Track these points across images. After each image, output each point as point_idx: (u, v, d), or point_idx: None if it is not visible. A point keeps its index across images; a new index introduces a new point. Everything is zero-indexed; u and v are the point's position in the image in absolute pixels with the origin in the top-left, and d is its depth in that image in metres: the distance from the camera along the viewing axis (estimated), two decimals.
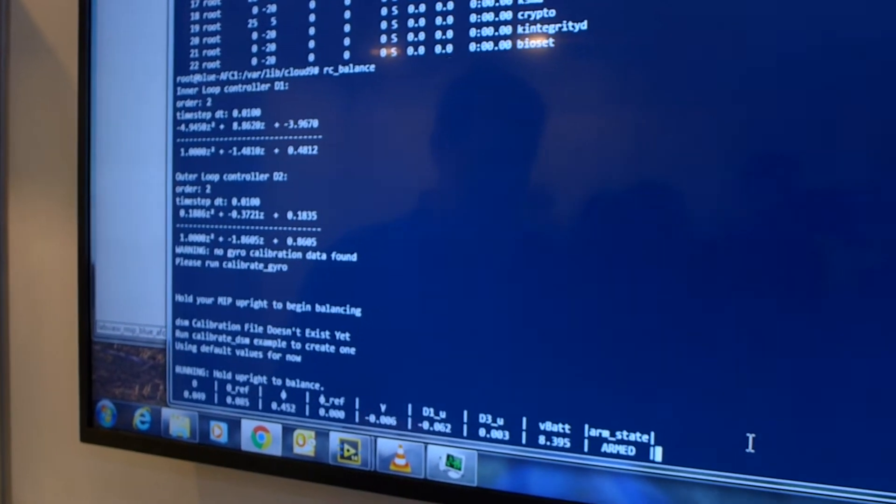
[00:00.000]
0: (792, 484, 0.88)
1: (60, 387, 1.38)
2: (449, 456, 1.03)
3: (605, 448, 0.95)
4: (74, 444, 1.31)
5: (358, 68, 1.05)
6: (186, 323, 1.18)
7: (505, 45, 0.97)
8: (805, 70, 0.85)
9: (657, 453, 0.94)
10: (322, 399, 1.09)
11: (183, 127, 1.17)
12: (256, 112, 1.12)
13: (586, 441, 0.96)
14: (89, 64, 1.22)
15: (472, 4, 0.98)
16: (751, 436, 0.90)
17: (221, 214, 1.15)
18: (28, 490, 1.46)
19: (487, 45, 0.98)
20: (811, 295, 0.86)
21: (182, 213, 1.17)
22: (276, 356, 1.12)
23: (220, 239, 1.15)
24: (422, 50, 1.02)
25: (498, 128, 0.99)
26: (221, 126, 1.14)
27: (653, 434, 0.93)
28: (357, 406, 1.07)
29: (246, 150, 1.12)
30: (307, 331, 1.10)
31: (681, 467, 0.92)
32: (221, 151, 1.14)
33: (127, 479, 1.36)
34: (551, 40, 0.95)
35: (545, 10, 0.95)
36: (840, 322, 0.85)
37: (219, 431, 1.16)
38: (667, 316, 0.92)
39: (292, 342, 1.11)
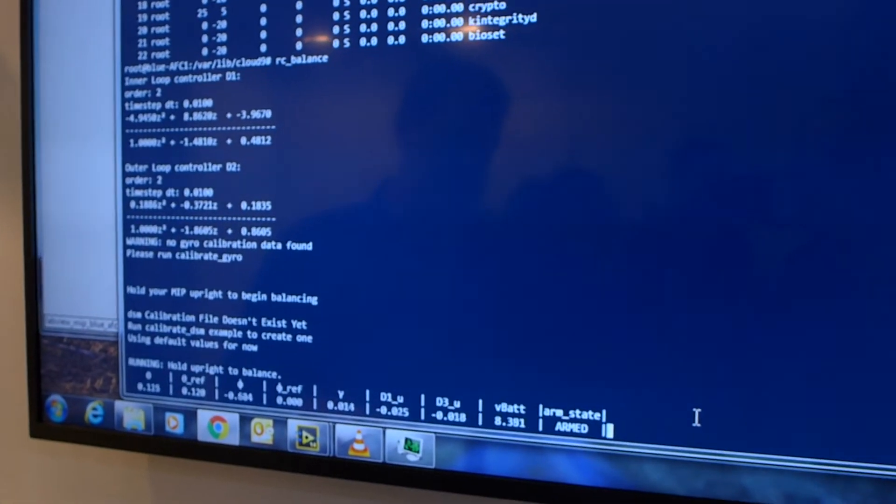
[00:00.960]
0: (735, 455, 0.93)
1: (7, 383, 1.36)
2: (407, 439, 1.05)
3: (559, 427, 0.99)
4: (23, 440, 1.30)
5: (311, 59, 1.06)
6: (139, 315, 1.17)
7: (457, 36, 1.00)
8: (750, 53, 0.90)
9: (609, 430, 0.97)
10: (279, 387, 1.10)
11: (132, 118, 1.16)
12: (208, 103, 1.11)
13: (541, 420, 1.00)
14: (31, 54, 1.20)
15: None
16: (697, 410, 0.94)
17: (173, 205, 1.14)
18: None
19: (440, 37, 1.01)
20: (749, 277, 0.91)
21: (133, 204, 1.16)
22: (233, 346, 1.12)
23: (173, 230, 1.15)
24: (374, 41, 1.03)
25: (449, 117, 1.02)
26: (172, 117, 1.13)
27: (604, 412, 0.97)
28: (315, 393, 1.09)
29: (198, 141, 1.12)
30: (263, 320, 1.10)
31: (631, 443, 0.96)
32: (172, 142, 1.14)
33: (77, 475, 1.35)
34: (501, 32, 0.98)
35: (496, 2, 0.98)
36: (774, 301, 0.90)
37: (174, 423, 1.16)
38: (615, 299, 0.96)
39: (248, 332, 1.11)
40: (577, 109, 0.96)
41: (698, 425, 0.94)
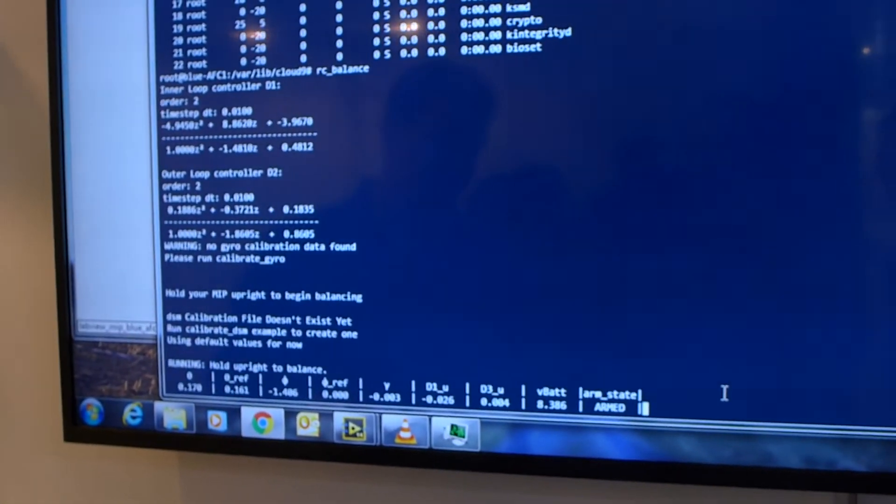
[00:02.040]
0: (760, 425, 1.03)
1: (42, 389, 1.37)
2: (453, 426, 1.12)
3: (598, 407, 1.08)
4: (56, 445, 1.32)
5: (352, 69, 1.12)
6: (179, 317, 1.21)
7: (495, 48, 1.07)
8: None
9: (644, 408, 1.07)
10: (325, 382, 1.16)
11: (168, 125, 1.19)
12: (247, 111, 1.16)
13: (580, 402, 1.08)
14: (59, 60, 1.22)
15: (463, 11, 1.08)
16: (724, 387, 1.04)
17: (213, 210, 1.18)
18: (10, 493, 1.43)
19: (478, 49, 1.08)
20: (764, 272, 1.02)
21: (170, 209, 1.20)
22: (276, 344, 1.17)
23: (213, 234, 1.18)
24: (415, 52, 1.10)
25: (485, 124, 1.09)
26: (210, 124, 1.18)
27: (640, 392, 1.06)
28: (361, 386, 1.15)
29: (237, 148, 1.17)
30: (308, 318, 1.16)
31: (665, 419, 1.06)
32: (211, 149, 1.18)
33: (108, 478, 1.37)
34: (538, 45, 1.06)
35: (532, 17, 1.06)
36: (793, 286, 1.01)
37: (217, 420, 1.20)
38: (647, 288, 1.05)
39: (293, 330, 1.17)
40: (608, 116, 1.05)
41: (726, 400, 1.04)
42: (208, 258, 1.19)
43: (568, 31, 1.05)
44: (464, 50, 1.08)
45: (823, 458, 1.02)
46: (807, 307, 1.01)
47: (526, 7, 1.06)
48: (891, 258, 0.99)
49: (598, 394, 1.08)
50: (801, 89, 0.99)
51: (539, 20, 1.06)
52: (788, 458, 1.03)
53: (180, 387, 1.22)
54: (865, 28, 0.98)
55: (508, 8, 1.06)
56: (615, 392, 1.07)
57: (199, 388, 1.21)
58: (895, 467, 1.00)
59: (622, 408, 1.07)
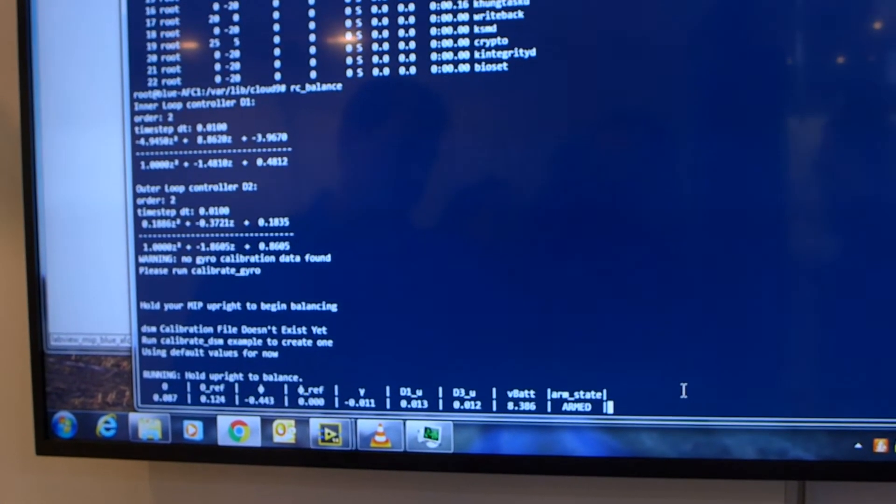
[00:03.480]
0: (717, 419, 1.10)
1: (14, 403, 1.36)
2: (427, 429, 1.17)
3: (566, 407, 1.13)
4: (27, 460, 1.32)
5: (325, 86, 1.16)
6: (153, 329, 1.23)
7: (463, 67, 1.13)
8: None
9: (609, 407, 1.13)
10: (301, 389, 1.19)
11: (142, 141, 1.21)
12: (222, 126, 1.19)
13: (549, 403, 1.14)
14: (31, 79, 1.23)
15: (433, 32, 1.13)
16: (683, 385, 1.11)
17: (188, 224, 1.21)
18: None
19: (448, 68, 1.13)
20: (716, 276, 1.09)
21: (145, 223, 1.22)
22: (252, 353, 1.20)
23: (188, 247, 1.21)
24: (386, 71, 1.15)
25: (453, 139, 1.14)
26: (185, 140, 1.20)
27: (605, 391, 1.13)
28: (336, 393, 1.18)
29: (212, 163, 1.19)
30: (283, 328, 1.19)
31: (629, 416, 1.12)
32: (186, 164, 1.20)
33: (80, 491, 1.37)
34: (504, 65, 1.12)
35: (498, 38, 1.12)
36: (744, 288, 1.09)
37: (193, 430, 1.22)
38: (610, 295, 1.11)
39: (268, 339, 1.20)
40: (572, 132, 1.11)
41: (685, 397, 1.11)
42: (183, 271, 1.21)
43: (533, 52, 1.11)
44: (434, 69, 1.14)
45: (775, 448, 1.10)
46: (757, 308, 1.09)
47: (493, 28, 1.12)
48: (834, 259, 1.07)
49: (566, 394, 1.13)
50: (762, 104, 1.07)
51: (505, 41, 1.12)
52: (743, 450, 1.10)
53: (155, 397, 1.23)
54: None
55: (476, 29, 1.12)
56: (581, 392, 1.13)
57: (174, 398, 1.23)
58: (841, 455, 1.09)
59: (588, 407, 1.13)
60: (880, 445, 1.09)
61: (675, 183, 1.10)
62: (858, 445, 1.09)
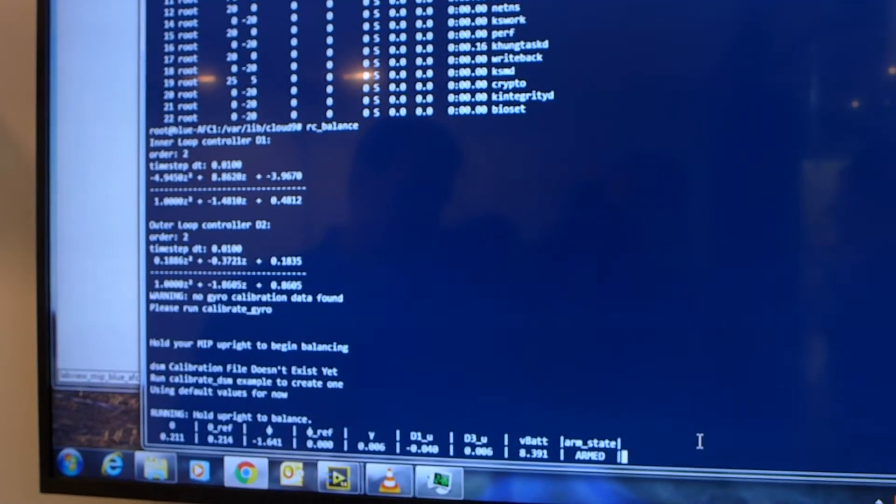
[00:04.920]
0: (734, 471, 1.08)
1: (19, 439, 1.35)
2: (437, 474, 1.14)
3: (579, 455, 1.11)
4: (31, 498, 1.30)
5: (341, 126, 1.16)
6: (162, 367, 1.21)
7: (481, 109, 1.12)
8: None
9: (623, 456, 1.10)
10: (310, 431, 1.17)
11: (157, 177, 1.21)
12: (237, 164, 1.19)
13: (562, 451, 1.12)
14: (47, 115, 1.23)
15: (451, 73, 1.13)
16: (700, 435, 1.09)
17: (200, 261, 1.20)
18: None
19: (465, 110, 1.13)
20: (736, 325, 1.08)
21: (157, 260, 1.21)
22: (262, 394, 1.19)
23: (199, 284, 1.20)
24: (403, 111, 1.14)
25: (470, 181, 1.14)
26: (199, 177, 1.20)
27: (619, 440, 1.10)
28: (345, 436, 1.16)
29: (226, 200, 1.19)
30: (294, 368, 1.18)
31: (644, 466, 1.10)
32: (200, 201, 1.20)
33: None
34: (522, 107, 1.11)
35: (516, 80, 1.12)
36: (763, 340, 1.07)
37: (199, 470, 1.21)
38: (625, 342, 1.10)
39: (278, 380, 1.18)
40: (590, 175, 1.10)
41: (701, 448, 1.08)
42: (194, 308, 1.21)
43: (551, 95, 1.10)
44: (451, 110, 1.13)
45: (793, 503, 1.07)
46: (777, 359, 1.06)
47: (511, 71, 1.11)
48: (858, 309, 1.05)
49: (579, 442, 1.11)
50: (785, 153, 1.06)
51: (523, 83, 1.11)
52: (761, 503, 1.08)
53: (162, 436, 1.22)
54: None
55: (494, 72, 1.12)
56: (595, 441, 1.11)
57: (181, 437, 1.21)
58: None
59: (602, 456, 1.11)
60: None
61: (695, 230, 1.09)
62: (879, 502, 1.06)
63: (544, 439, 1.12)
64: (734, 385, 1.08)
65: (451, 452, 1.14)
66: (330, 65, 1.16)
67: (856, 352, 1.05)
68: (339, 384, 1.17)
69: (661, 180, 1.09)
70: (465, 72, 1.13)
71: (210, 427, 1.20)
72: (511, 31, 1.12)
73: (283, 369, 1.18)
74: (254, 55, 1.18)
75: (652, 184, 1.09)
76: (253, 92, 1.19)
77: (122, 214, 1.22)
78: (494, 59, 1.12)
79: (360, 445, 1.16)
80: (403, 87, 1.14)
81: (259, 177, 1.18)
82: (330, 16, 1.17)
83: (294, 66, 1.17)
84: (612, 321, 1.10)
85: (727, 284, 1.07)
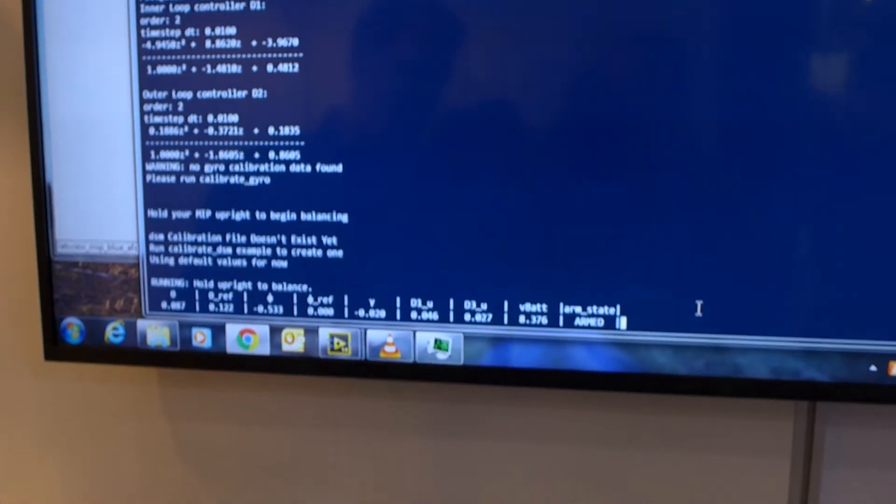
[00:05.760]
0: (731, 337, 1.09)
1: (21, 311, 1.36)
2: (437, 340, 1.16)
3: (578, 321, 1.12)
4: (36, 366, 1.33)
5: None
6: (161, 237, 1.21)
7: None
8: None
9: (622, 322, 1.11)
10: (310, 299, 1.18)
11: (149, 44, 1.18)
12: (231, 30, 1.15)
13: (561, 317, 1.13)
14: None
15: None
16: (699, 302, 1.09)
17: (196, 131, 1.18)
18: None
19: None
20: (736, 188, 1.07)
21: (152, 130, 1.19)
22: (261, 263, 1.19)
23: (196, 155, 1.18)
24: None
25: (475, 47, 1.10)
26: (193, 44, 1.17)
27: (618, 306, 1.11)
28: (346, 303, 1.17)
29: (221, 68, 1.16)
30: (293, 237, 1.17)
31: (642, 332, 1.11)
32: (194, 69, 1.17)
33: (88, 397, 1.38)
34: None
35: None
36: (763, 204, 1.06)
37: (201, 337, 1.22)
38: (625, 206, 1.09)
39: (278, 249, 1.18)
40: (588, 45, 1.08)
41: (700, 315, 1.09)
42: (191, 179, 1.19)
43: None
44: None
45: (788, 368, 1.09)
46: (776, 226, 1.06)
47: None
48: (857, 174, 1.04)
49: (578, 309, 1.12)
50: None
51: None
52: (756, 369, 1.09)
53: (163, 305, 1.23)
54: None
55: None
56: (594, 307, 1.12)
57: (182, 305, 1.22)
58: (855, 377, 1.08)
59: (601, 322, 1.12)
60: (895, 368, 1.08)
61: (694, 94, 1.06)
62: (873, 368, 1.07)
63: (544, 305, 1.13)
64: (735, 252, 1.07)
65: (451, 319, 1.15)
66: None
67: (853, 219, 1.05)
68: (339, 253, 1.16)
69: (666, 46, 1.06)
70: None
71: (211, 295, 1.21)
72: None
73: (283, 238, 1.18)
74: None
75: (656, 50, 1.06)
76: None
77: (116, 83, 1.19)
78: None
79: (361, 312, 1.17)
80: None
81: (254, 43, 1.15)
82: None
83: None
84: (612, 188, 1.09)
85: (727, 151, 1.06)
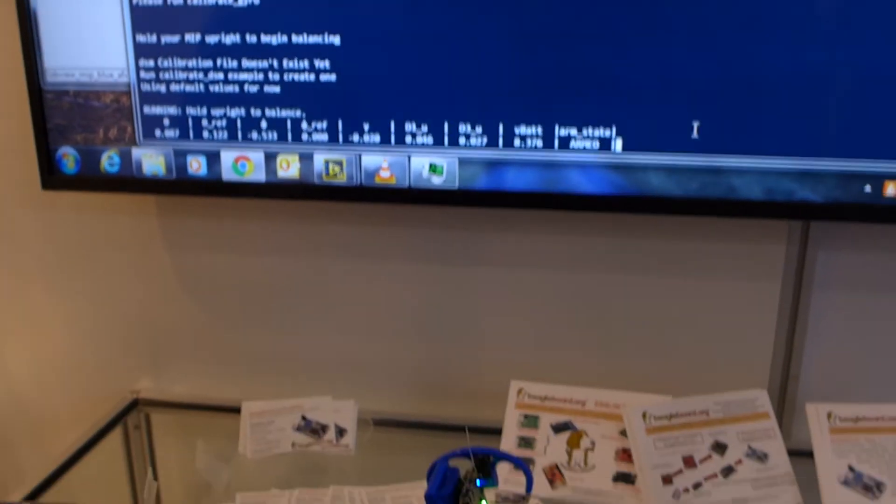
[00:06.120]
0: (726, 158, 1.08)
1: (13, 143, 1.35)
2: (431, 164, 1.15)
3: (573, 144, 1.11)
4: (33, 197, 1.34)
5: None
6: (151, 63, 1.19)
7: None
8: None
9: (618, 144, 1.11)
10: (304, 125, 1.17)
11: None
12: None
13: (556, 139, 1.12)
14: None
15: None
16: (695, 123, 1.08)
17: None
18: None
19: None
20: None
21: None
22: (254, 88, 1.17)
23: None
24: None
25: None
26: None
27: (614, 128, 1.10)
28: (340, 128, 1.16)
29: None
30: (285, 61, 1.15)
31: (638, 153, 1.11)
32: None
33: (87, 227, 1.39)
34: None
35: None
36: (759, 20, 1.03)
37: (197, 165, 1.22)
38: (620, 25, 1.06)
39: (270, 73, 1.16)
40: None
41: (696, 137, 1.09)
42: (179, 1, 1.16)
43: None
44: None
45: (783, 189, 1.09)
46: (772, 45, 1.04)
47: None
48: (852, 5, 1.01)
49: (574, 130, 1.11)
50: None
51: None
52: (750, 190, 1.09)
53: (157, 133, 1.22)
54: None
55: None
56: (590, 129, 1.11)
57: (176, 133, 1.21)
58: (849, 198, 1.08)
59: (596, 144, 1.11)
60: (890, 188, 1.08)
61: None
62: (868, 188, 1.07)
63: (539, 128, 1.12)
64: (731, 72, 1.05)
65: (446, 142, 1.14)
66: None
67: (849, 40, 1.02)
68: (332, 76, 1.14)
69: None
70: None
71: (204, 122, 1.20)
72: None
73: (275, 62, 1.15)
74: None
75: None
76: None
77: None
78: None
79: (355, 137, 1.16)
80: None
81: None
82: None
83: None
84: (608, 5, 1.06)
85: None
